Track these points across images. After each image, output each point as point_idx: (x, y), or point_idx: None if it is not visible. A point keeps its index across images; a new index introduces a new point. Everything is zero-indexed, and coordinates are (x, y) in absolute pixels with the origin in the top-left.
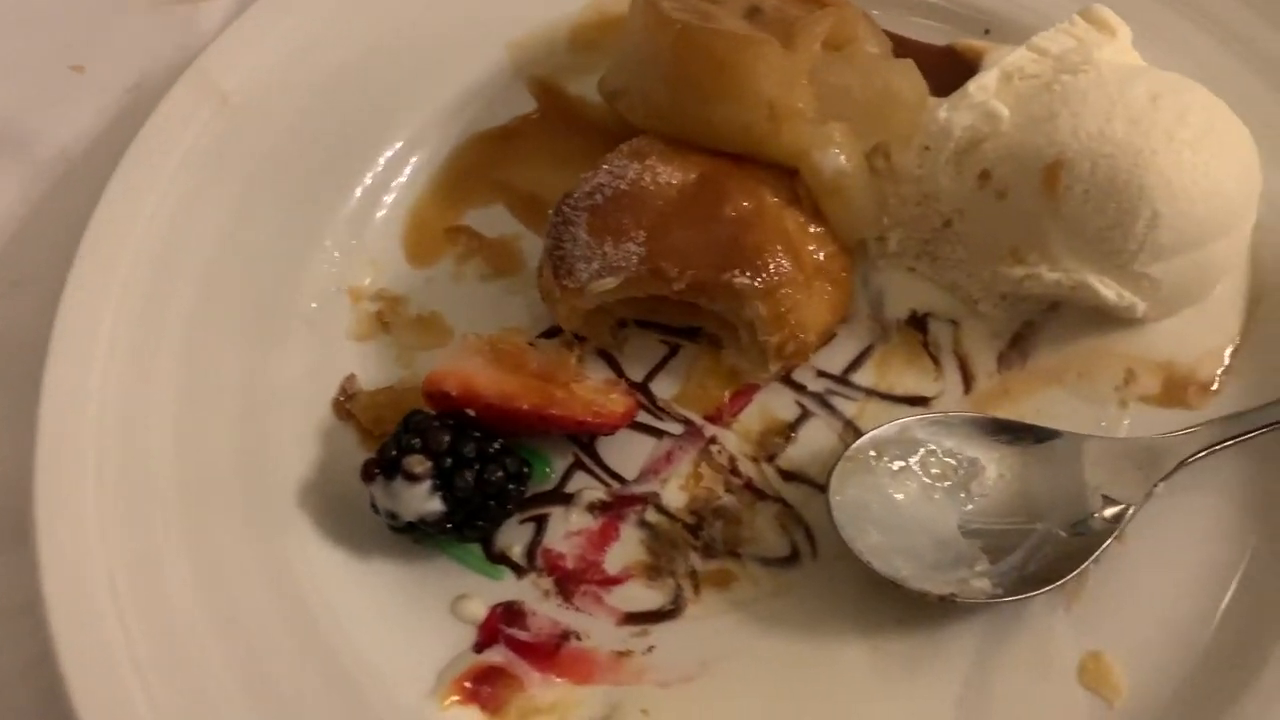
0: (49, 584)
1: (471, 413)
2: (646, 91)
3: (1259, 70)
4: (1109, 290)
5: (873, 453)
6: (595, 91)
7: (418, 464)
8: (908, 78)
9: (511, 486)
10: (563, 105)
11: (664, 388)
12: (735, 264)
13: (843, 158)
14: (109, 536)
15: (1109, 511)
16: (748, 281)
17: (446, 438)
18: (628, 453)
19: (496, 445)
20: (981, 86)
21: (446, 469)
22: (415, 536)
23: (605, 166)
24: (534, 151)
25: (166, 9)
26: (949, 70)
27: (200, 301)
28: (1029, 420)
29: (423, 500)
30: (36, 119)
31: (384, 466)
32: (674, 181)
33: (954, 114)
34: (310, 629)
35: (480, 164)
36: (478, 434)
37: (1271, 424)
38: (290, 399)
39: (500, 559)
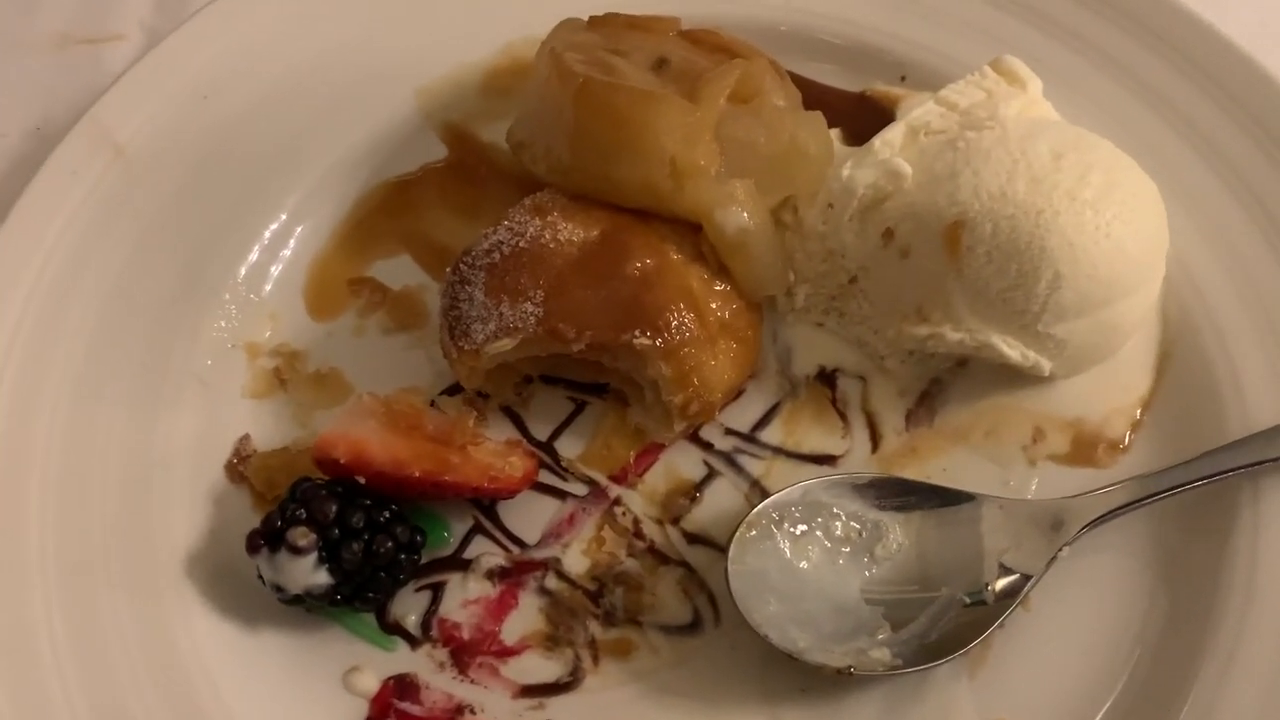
0: None
1: (361, 480)
2: (550, 145)
3: (1170, 122)
4: (1013, 350)
5: (774, 515)
6: (505, 140)
7: (302, 536)
8: (814, 132)
9: (403, 556)
10: (474, 152)
11: (569, 446)
12: (636, 323)
13: (745, 215)
14: None
15: (1005, 581)
16: (648, 341)
17: (333, 507)
18: (530, 515)
19: (387, 514)
20: (886, 143)
21: (333, 540)
22: (306, 607)
23: (505, 223)
24: (443, 200)
25: (72, 49)
26: (863, 117)
27: (89, 358)
28: (937, 479)
29: (308, 573)
30: None
31: (269, 538)
32: (575, 239)
33: (857, 171)
34: (190, 704)
35: (387, 213)
36: (368, 501)
37: (1177, 487)
38: (181, 461)
39: (394, 629)
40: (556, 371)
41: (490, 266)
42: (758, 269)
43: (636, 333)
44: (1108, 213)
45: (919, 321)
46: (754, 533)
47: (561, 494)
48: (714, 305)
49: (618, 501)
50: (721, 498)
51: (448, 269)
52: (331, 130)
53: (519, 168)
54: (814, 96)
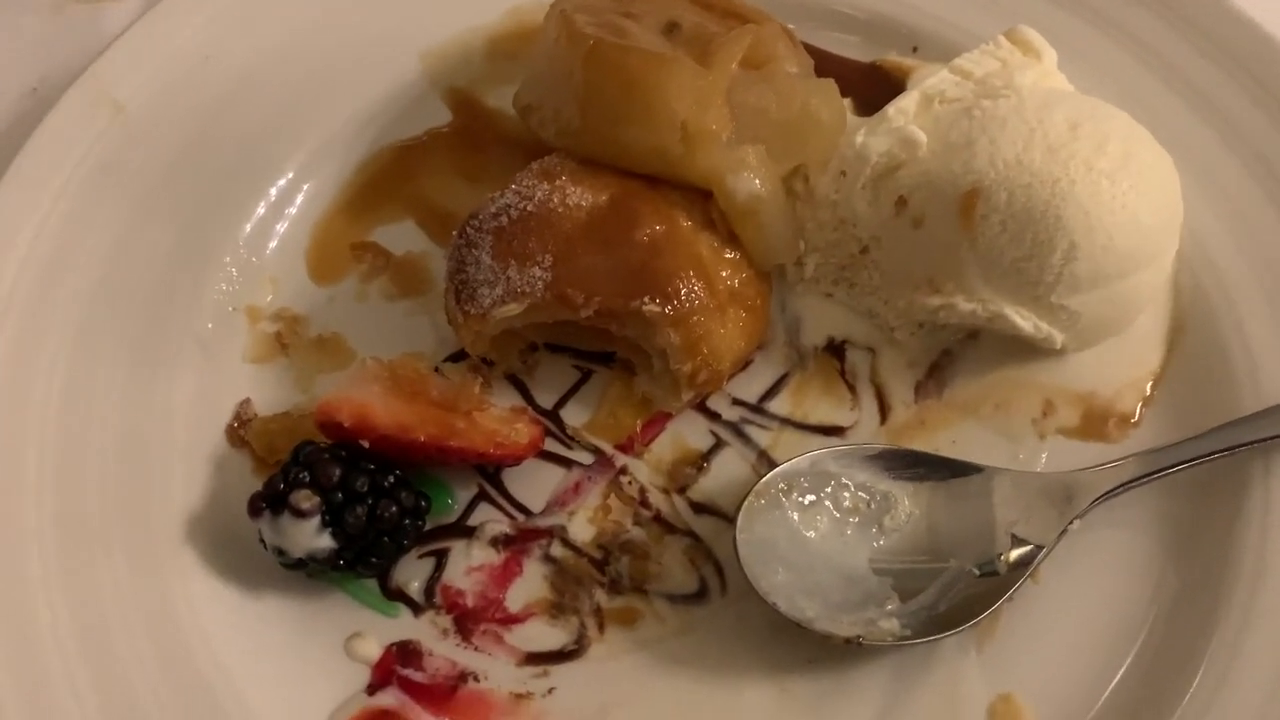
0: None
1: (365, 444)
2: (558, 109)
3: (1184, 95)
4: (1026, 322)
5: (783, 485)
6: (512, 104)
7: (305, 499)
8: (827, 100)
9: (407, 522)
10: (479, 118)
11: (575, 415)
12: (645, 290)
13: (757, 181)
14: None
15: (1016, 553)
16: (658, 309)
17: (337, 471)
18: (535, 483)
19: (391, 478)
20: (900, 110)
21: (337, 504)
22: (307, 572)
23: (513, 187)
24: (448, 166)
25: (70, 9)
26: (874, 88)
27: (88, 320)
28: (945, 452)
29: (311, 537)
30: None
31: (271, 501)
32: (584, 203)
33: (871, 138)
34: (192, 667)
35: (390, 178)
36: (372, 466)
37: (1188, 461)
38: (181, 424)
39: (397, 595)
40: (562, 339)
41: (498, 230)
42: (768, 237)
43: (646, 299)
44: (1124, 183)
45: (931, 292)
46: (762, 502)
47: (567, 462)
48: (724, 273)
49: (624, 470)
50: (728, 468)
51: (454, 232)
52: (335, 94)
53: (524, 133)
54: (825, 66)
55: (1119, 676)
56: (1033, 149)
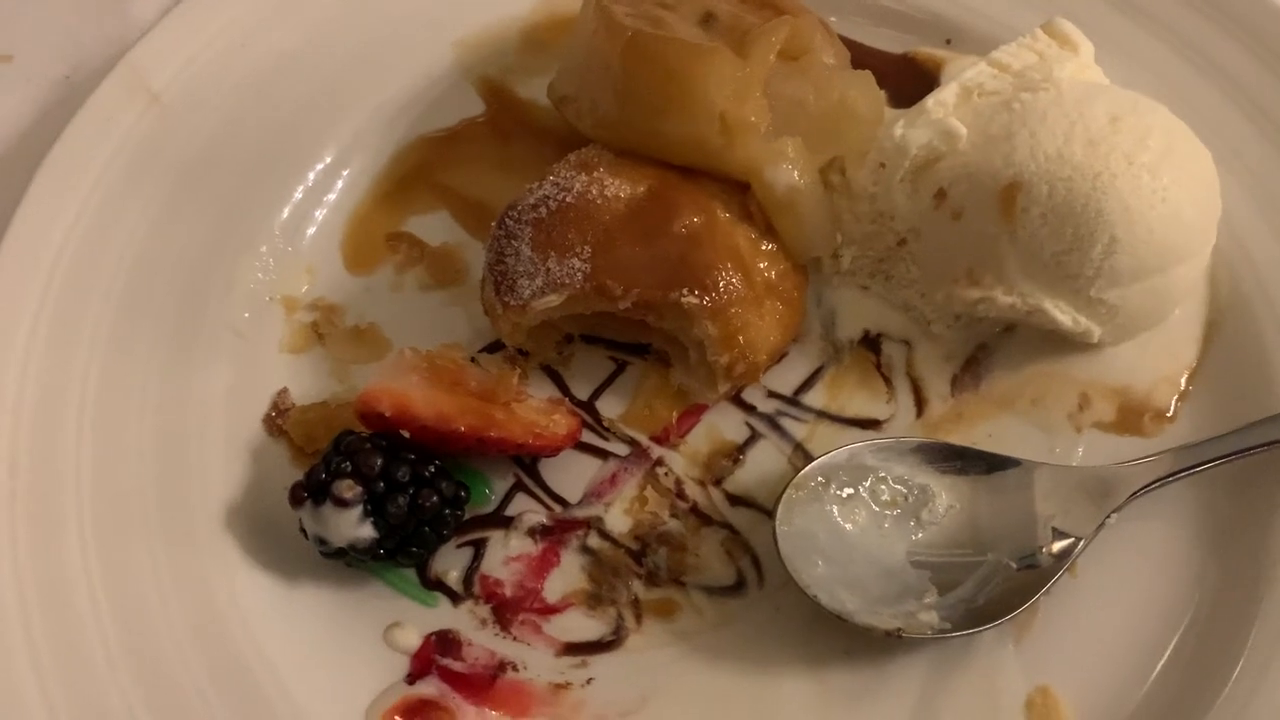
0: None
1: (406, 434)
2: (595, 100)
3: (1223, 89)
4: (1064, 315)
5: (821, 479)
6: (546, 95)
7: (347, 489)
8: (865, 91)
9: (447, 512)
10: (512, 108)
11: (610, 406)
12: (684, 282)
13: (796, 173)
14: (20, 560)
15: (1058, 545)
16: (696, 300)
17: (379, 461)
18: (571, 474)
19: (432, 468)
20: (940, 102)
21: (378, 494)
22: (347, 561)
23: (551, 177)
24: (481, 156)
25: None
26: (907, 80)
27: (124, 310)
28: (982, 445)
29: (353, 526)
30: None
31: (313, 491)
32: (622, 195)
33: (910, 130)
34: (232, 657)
35: (424, 168)
36: (412, 456)
37: (1226, 455)
38: (218, 414)
39: (436, 585)
40: (597, 331)
41: (537, 221)
42: (806, 229)
43: (684, 291)
44: (1165, 177)
45: (970, 285)
46: (801, 494)
47: (603, 453)
48: (761, 265)
49: (660, 462)
50: (764, 460)
51: (493, 223)
52: (369, 83)
53: (558, 124)
54: (857, 58)
55: (1157, 670)
56: (1073, 142)
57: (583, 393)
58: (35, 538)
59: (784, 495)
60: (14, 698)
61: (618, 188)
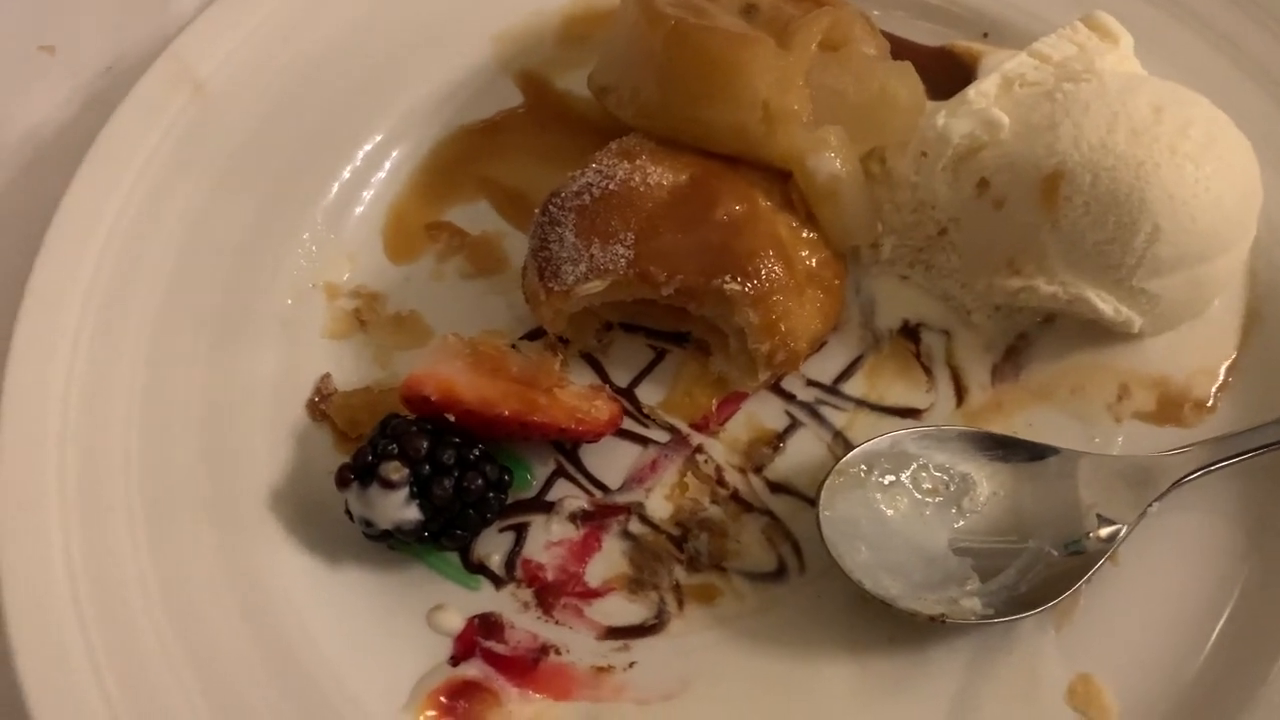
0: (8, 592)
1: (451, 418)
2: (637, 89)
3: (1260, 82)
4: (1106, 305)
5: (863, 466)
6: (584, 86)
7: (394, 471)
8: (905, 81)
9: (491, 495)
10: (550, 100)
11: (649, 394)
12: (726, 269)
13: (838, 162)
14: (70, 543)
15: (1104, 531)
16: (738, 287)
17: (425, 443)
18: (611, 460)
19: (476, 452)
20: (981, 93)
21: (424, 476)
22: (391, 544)
23: (594, 165)
24: (520, 147)
25: None
26: (944, 72)
27: (170, 297)
28: (1022, 435)
29: (399, 508)
30: (3, 101)
31: (359, 472)
32: (664, 182)
33: (953, 120)
34: (278, 638)
35: (464, 159)
36: (457, 440)
37: (1268, 445)
38: (262, 399)
39: (478, 569)
40: (636, 319)
41: (580, 208)
42: (847, 218)
43: (726, 278)
44: (1208, 167)
45: (1011, 274)
46: (843, 481)
47: (643, 440)
48: (802, 253)
49: (699, 449)
50: (804, 448)
51: (536, 210)
52: (410, 74)
53: (595, 114)
54: (895, 50)
55: (1200, 659)
56: (1117, 132)
57: (622, 380)
58: (85, 523)
59: (826, 481)
60: (68, 680)
61: (660, 175)
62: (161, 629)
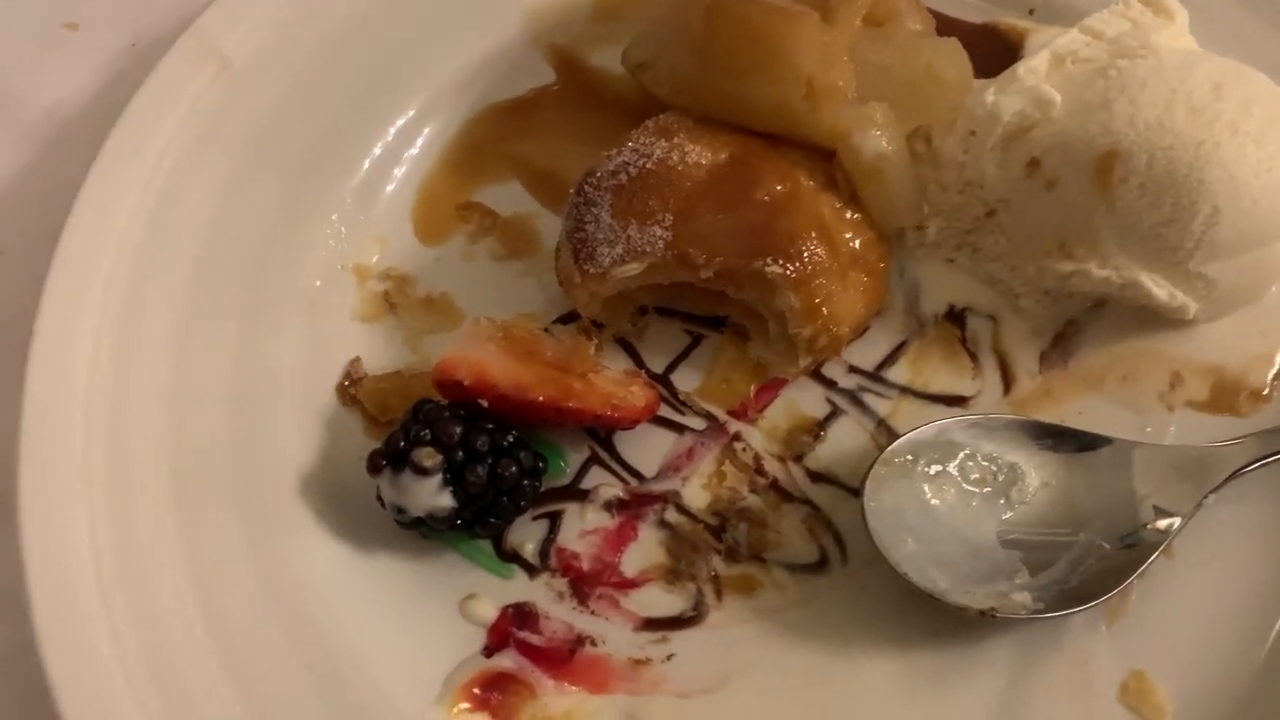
0: (33, 576)
1: (484, 403)
2: (675, 64)
3: None
4: (1161, 289)
5: (909, 456)
6: (618, 63)
7: (428, 457)
8: (952, 58)
9: (525, 482)
10: (583, 77)
11: (685, 380)
12: (767, 251)
13: (884, 140)
14: (96, 527)
15: (1162, 523)
16: (780, 270)
17: (458, 429)
18: (647, 448)
19: (510, 438)
20: (1031, 70)
21: (458, 463)
22: (423, 532)
23: (630, 144)
24: (552, 125)
25: None
26: (988, 50)
27: (196, 277)
28: (1071, 424)
29: (432, 495)
30: (26, 78)
31: (392, 458)
32: (703, 162)
33: (1002, 98)
34: (307, 628)
35: (494, 137)
36: (490, 426)
37: None
38: (290, 382)
39: (511, 557)
40: (672, 303)
41: (617, 188)
42: (893, 198)
43: (768, 260)
44: (1270, 146)
45: (1062, 258)
46: (888, 471)
47: (679, 427)
48: (846, 235)
49: (737, 437)
50: (845, 436)
51: (571, 190)
52: (439, 50)
53: (629, 92)
54: (938, 27)
55: (1259, 656)
56: (1175, 110)
57: (657, 366)
58: (112, 507)
59: (871, 471)
60: (94, 669)
61: (699, 154)
62: (190, 617)
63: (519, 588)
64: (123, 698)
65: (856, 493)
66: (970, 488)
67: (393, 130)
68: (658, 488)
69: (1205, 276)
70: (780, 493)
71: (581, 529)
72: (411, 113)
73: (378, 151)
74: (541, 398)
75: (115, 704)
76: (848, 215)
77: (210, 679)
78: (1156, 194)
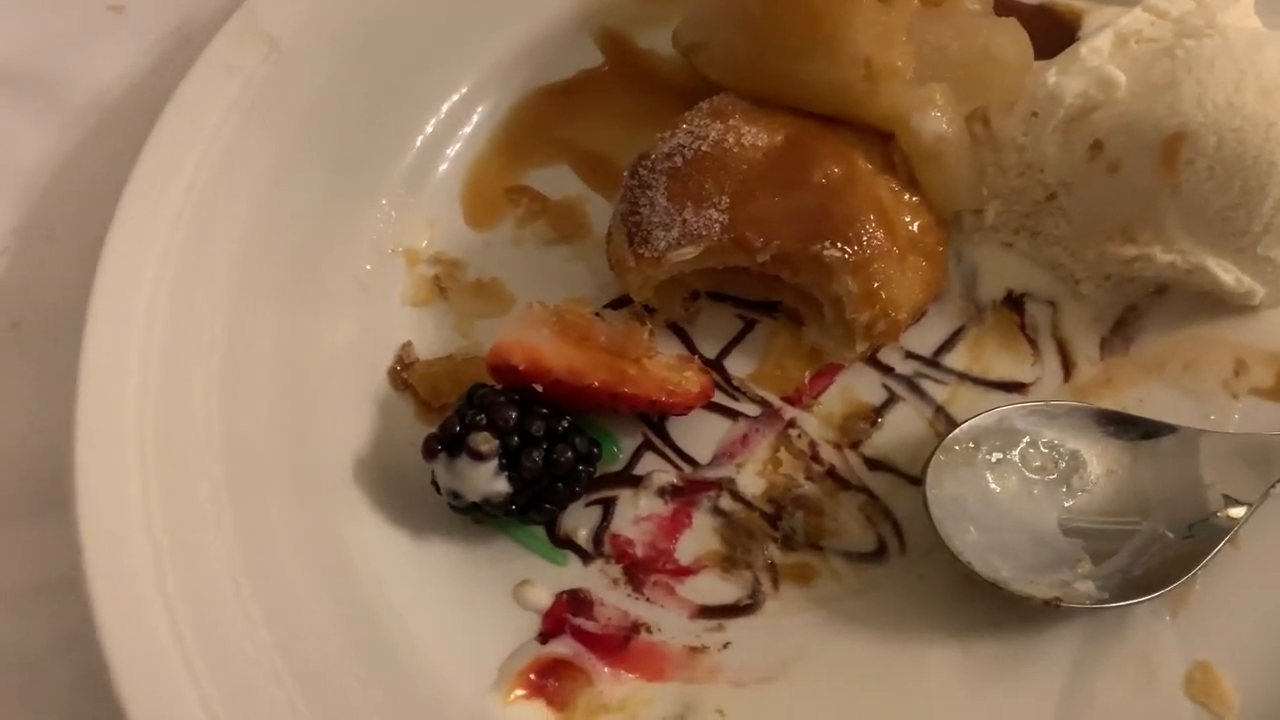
0: (91, 564)
1: (538, 388)
2: (729, 45)
3: None
4: (1227, 274)
5: (970, 444)
6: (667, 45)
7: (484, 442)
8: (1012, 38)
9: (580, 468)
10: (632, 59)
11: (739, 365)
12: (824, 234)
13: (944, 121)
14: (152, 515)
15: (1230, 512)
16: (838, 254)
17: (513, 414)
18: (700, 434)
19: (565, 423)
20: (1094, 49)
21: (513, 448)
22: (477, 517)
23: (684, 126)
24: (601, 109)
25: None
26: (1045, 30)
27: (247, 262)
28: (1133, 411)
29: (488, 480)
30: (71, 62)
31: (448, 443)
32: (759, 144)
33: (1065, 78)
34: (363, 613)
35: (543, 121)
36: (545, 411)
37: None
38: (342, 366)
39: (565, 543)
40: (725, 287)
41: (672, 171)
42: (952, 181)
43: (826, 244)
44: None
45: (1125, 242)
46: (949, 458)
47: (733, 414)
48: (904, 218)
49: (792, 424)
50: (903, 423)
51: (625, 173)
52: (487, 33)
53: (679, 74)
54: (995, 5)
55: None
56: (1245, 91)
57: (710, 351)
58: (167, 494)
59: (932, 458)
60: (155, 657)
61: (754, 136)
62: (246, 602)
63: (573, 574)
64: (182, 684)
65: (914, 480)
66: (1032, 475)
67: (440, 113)
68: (712, 474)
69: (1273, 260)
70: (837, 480)
71: (635, 515)
72: (459, 96)
73: (425, 134)
74: (596, 383)
75: (175, 690)
76: (906, 198)
77: (268, 665)
78: (1225, 177)
